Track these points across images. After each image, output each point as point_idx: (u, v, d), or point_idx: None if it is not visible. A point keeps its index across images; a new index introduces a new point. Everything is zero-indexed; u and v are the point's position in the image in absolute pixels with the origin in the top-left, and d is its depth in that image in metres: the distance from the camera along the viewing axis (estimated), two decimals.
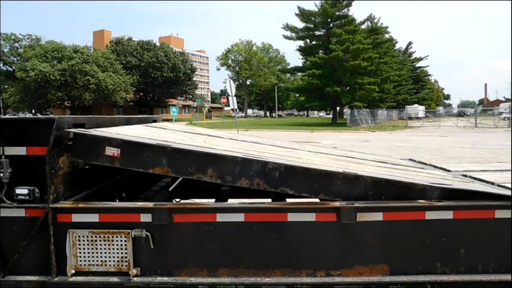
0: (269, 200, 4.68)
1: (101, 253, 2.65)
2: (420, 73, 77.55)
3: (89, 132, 2.75)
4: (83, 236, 2.64)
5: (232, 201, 2.84)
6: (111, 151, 2.69)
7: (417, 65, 76.62)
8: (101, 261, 2.66)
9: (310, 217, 2.65)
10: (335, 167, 2.87)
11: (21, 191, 2.60)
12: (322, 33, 44.22)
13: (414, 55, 75.85)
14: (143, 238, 2.63)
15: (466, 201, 2.71)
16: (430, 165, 4.39)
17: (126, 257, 2.64)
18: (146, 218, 2.63)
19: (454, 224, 2.67)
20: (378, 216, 2.66)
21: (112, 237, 2.63)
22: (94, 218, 2.64)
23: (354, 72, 41.23)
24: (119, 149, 2.69)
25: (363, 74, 41.59)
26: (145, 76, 53.88)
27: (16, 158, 2.62)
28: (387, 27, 56.82)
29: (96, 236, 2.64)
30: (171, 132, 3.91)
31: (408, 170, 3.57)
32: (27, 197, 2.60)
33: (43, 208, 2.61)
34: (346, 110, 50.64)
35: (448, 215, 2.67)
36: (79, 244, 2.64)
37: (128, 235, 2.62)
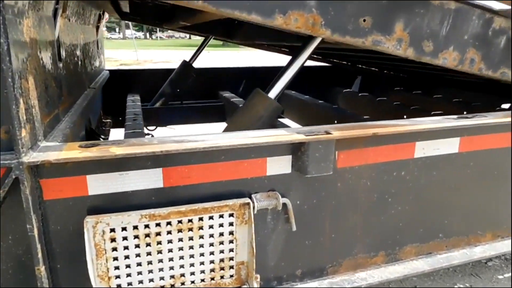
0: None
1: (170, 259, 1.10)
2: None
3: None
4: (123, 228, 1.03)
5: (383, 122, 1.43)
6: None
7: None
8: (171, 276, 1.12)
9: None
10: None
11: None
12: None
13: None
14: (273, 212, 1.16)
15: None
16: None
17: (232, 258, 1.15)
18: (284, 166, 1.13)
19: None
20: None
21: (200, 220, 1.09)
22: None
23: None
24: None
25: None
26: None
27: None
28: None
29: (159, 224, 1.06)
30: None
31: None
32: None
33: (3, 167, 0.90)
34: None
35: None
36: (117, 247, 1.04)
37: (241, 211, 1.11)
